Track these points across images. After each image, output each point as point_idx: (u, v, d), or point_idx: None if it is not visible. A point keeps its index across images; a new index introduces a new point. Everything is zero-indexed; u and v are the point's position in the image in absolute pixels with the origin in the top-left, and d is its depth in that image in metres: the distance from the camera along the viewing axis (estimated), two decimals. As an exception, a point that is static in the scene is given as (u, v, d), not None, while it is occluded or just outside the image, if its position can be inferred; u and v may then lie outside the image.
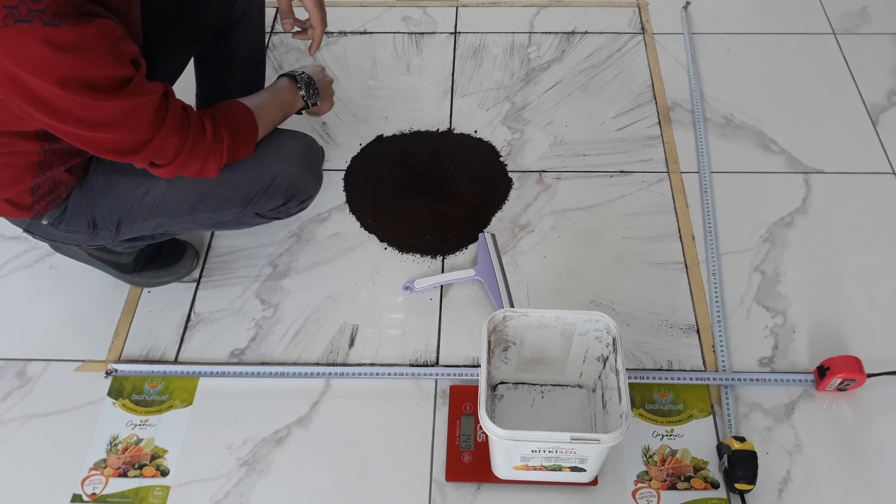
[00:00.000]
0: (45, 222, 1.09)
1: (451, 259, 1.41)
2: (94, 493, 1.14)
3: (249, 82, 1.43)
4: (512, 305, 1.32)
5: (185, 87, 1.44)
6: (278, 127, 1.18)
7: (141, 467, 1.16)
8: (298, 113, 1.22)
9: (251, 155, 1.11)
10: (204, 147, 1.01)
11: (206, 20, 1.22)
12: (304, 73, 1.21)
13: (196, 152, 1.00)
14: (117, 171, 1.08)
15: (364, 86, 1.72)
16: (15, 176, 1.00)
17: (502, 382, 1.22)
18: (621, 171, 1.52)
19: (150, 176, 1.03)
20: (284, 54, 1.79)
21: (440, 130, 1.62)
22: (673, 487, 1.12)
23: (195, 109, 1.02)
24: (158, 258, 1.34)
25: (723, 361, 1.24)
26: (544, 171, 1.53)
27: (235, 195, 1.13)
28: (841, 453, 1.14)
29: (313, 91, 1.21)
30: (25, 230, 1.13)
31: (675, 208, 1.46)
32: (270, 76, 1.70)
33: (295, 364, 1.26)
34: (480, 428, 1.13)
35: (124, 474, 1.15)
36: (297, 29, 1.26)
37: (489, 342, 1.05)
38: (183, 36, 1.18)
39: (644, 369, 1.24)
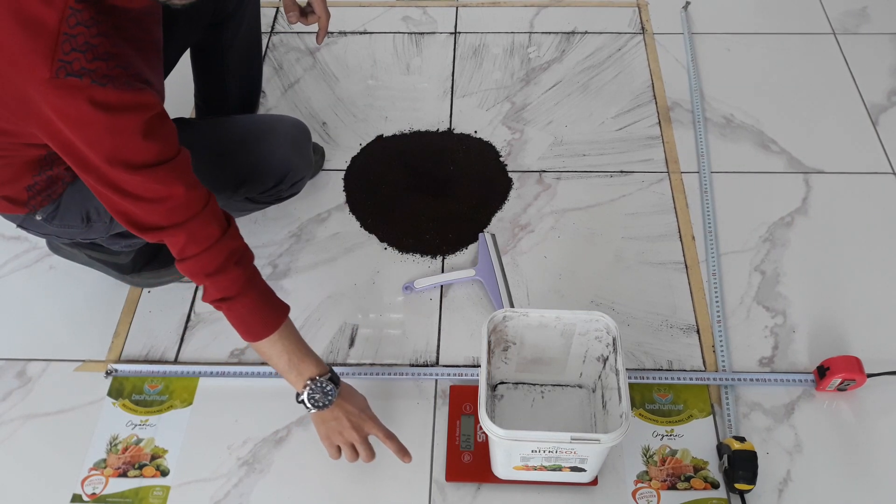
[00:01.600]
0: (38, 218, 1.09)
1: (451, 259, 1.40)
2: (94, 493, 1.14)
3: (246, 76, 1.43)
4: (512, 305, 1.32)
5: (186, 87, 1.44)
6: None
7: (141, 467, 1.16)
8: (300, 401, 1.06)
9: (242, 137, 1.11)
10: (203, 261, 0.95)
11: (199, 13, 1.22)
12: (332, 389, 1.04)
13: (191, 258, 0.94)
14: None
15: (364, 86, 1.72)
16: (16, 174, 1.00)
17: (502, 382, 1.22)
18: (621, 171, 1.52)
19: None
20: (284, 54, 1.79)
21: (440, 130, 1.62)
22: (673, 487, 1.12)
23: (223, 210, 0.97)
24: (157, 258, 1.34)
25: (723, 361, 1.24)
26: (544, 171, 1.53)
27: (227, 178, 1.15)
28: (841, 453, 1.14)
29: (315, 404, 1.04)
30: (19, 226, 1.13)
31: (675, 208, 1.46)
32: (271, 75, 1.71)
33: (295, 364, 1.26)
34: (480, 428, 1.13)
35: (124, 474, 1.15)
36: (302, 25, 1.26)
37: (489, 342, 1.05)
38: (176, 30, 1.18)
39: (644, 369, 1.24)
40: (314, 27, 1.27)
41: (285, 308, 1.04)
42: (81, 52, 0.79)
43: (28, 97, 0.81)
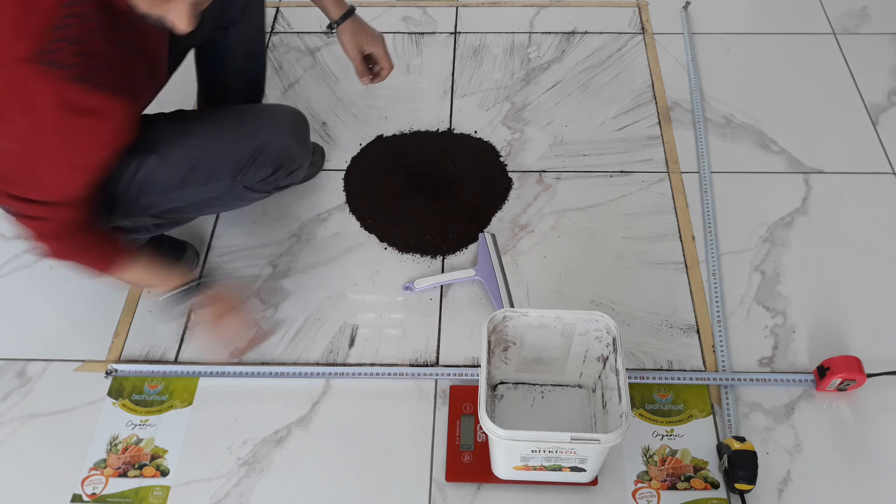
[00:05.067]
0: None
1: (451, 259, 1.41)
2: (94, 493, 1.14)
3: (249, 78, 1.43)
4: (512, 305, 1.32)
5: (187, 85, 1.44)
6: (266, 99, 1.18)
7: (141, 467, 1.16)
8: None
9: (241, 124, 1.14)
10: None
11: (203, 18, 1.22)
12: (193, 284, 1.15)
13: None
14: None
15: (364, 86, 1.71)
16: None
17: (502, 382, 1.22)
18: (621, 171, 1.52)
19: (140, 152, 1.04)
20: (284, 54, 1.79)
21: (440, 130, 1.62)
22: (673, 487, 1.12)
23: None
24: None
25: (723, 361, 1.24)
26: (544, 171, 1.53)
27: (225, 166, 1.14)
28: (841, 453, 1.14)
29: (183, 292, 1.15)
30: None
31: (675, 208, 1.46)
32: (270, 76, 1.71)
33: (295, 364, 1.26)
34: (480, 428, 1.13)
35: (124, 474, 1.15)
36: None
37: (489, 342, 1.05)
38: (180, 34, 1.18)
39: (644, 369, 1.24)
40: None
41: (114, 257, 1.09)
42: (70, 44, 0.77)
43: None
